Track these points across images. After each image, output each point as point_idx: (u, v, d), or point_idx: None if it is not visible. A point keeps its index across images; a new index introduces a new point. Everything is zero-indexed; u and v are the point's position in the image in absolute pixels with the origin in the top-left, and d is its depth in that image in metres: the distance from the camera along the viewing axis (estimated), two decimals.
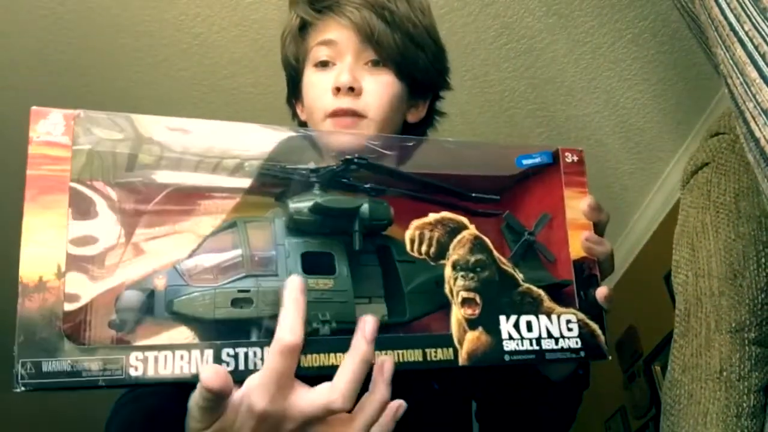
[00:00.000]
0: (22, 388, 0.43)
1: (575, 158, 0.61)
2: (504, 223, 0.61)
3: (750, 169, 0.84)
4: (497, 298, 0.56)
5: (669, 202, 1.92)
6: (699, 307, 0.86)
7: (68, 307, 0.45)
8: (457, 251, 0.56)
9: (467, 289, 0.55)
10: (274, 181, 0.54)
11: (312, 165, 0.54)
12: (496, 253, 0.57)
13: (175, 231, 0.50)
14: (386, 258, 0.56)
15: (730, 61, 0.55)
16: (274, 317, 0.48)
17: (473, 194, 0.60)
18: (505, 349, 0.54)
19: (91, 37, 1.59)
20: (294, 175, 0.54)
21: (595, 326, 0.58)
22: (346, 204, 0.53)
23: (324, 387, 0.47)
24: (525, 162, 0.61)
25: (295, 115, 0.87)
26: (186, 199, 0.51)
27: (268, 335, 0.48)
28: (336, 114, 0.73)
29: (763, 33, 0.52)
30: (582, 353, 0.57)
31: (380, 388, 0.49)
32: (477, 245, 0.56)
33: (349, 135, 0.68)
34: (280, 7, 1.51)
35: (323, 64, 0.77)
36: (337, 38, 0.76)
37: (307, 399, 0.47)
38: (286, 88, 0.86)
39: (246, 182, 0.53)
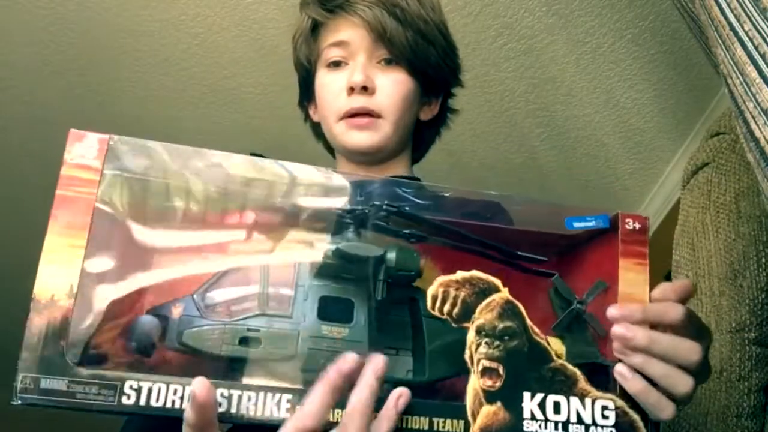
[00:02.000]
0: (19, 402, 0.44)
1: (637, 225, 0.54)
2: (553, 286, 0.55)
3: (750, 169, 0.84)
4: (524, 371, 0.50)
5: (669, 202, 1.92)
6: (699, 307, 0.86)
7: (79, 324, 0.45)
8: (483, 315, 0.50)
9: (490, 358, 0.49)
10: (311, 217, 0.51)
11: (348, 206, 0.51)
12: (529, 321, 0.51)
13: (204, 259, 0.49)
14: (414, 311, 0.53)
15: (730, 61, 0.55)
16: (279, 361, 0.47)
17: (519, 253, 0.54)
18: (525, 429, 0.49)
19: (91, 37, 1.59)
20: (329, 213, 0.51)
21: (636, 417, 0.50)
22: (367, 252, 0.50)
23: None
24: (576, 225, 0.55)
25: (307, 117, 0.87)
26: (219, 228, 0.50)
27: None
28: (351, 114, 0.73)
29: (763, 33, 0.52)
30: None
31: (368, 379, 0.44)
32: (507, 311, 0.51)
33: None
34: (281, 7, 1.51)
35: (336, 65, 0.76)
36: (349, 38, 0.75)
37: None
38: (298, 91, 0.86)
39: (281, 216, 0.51)
